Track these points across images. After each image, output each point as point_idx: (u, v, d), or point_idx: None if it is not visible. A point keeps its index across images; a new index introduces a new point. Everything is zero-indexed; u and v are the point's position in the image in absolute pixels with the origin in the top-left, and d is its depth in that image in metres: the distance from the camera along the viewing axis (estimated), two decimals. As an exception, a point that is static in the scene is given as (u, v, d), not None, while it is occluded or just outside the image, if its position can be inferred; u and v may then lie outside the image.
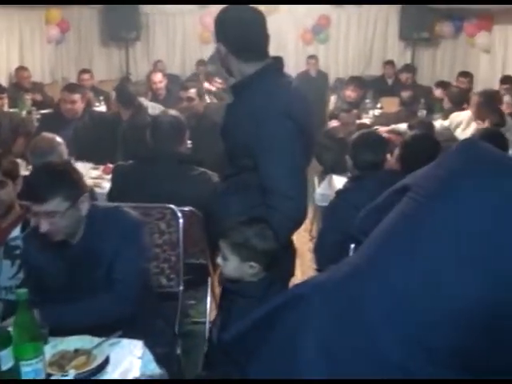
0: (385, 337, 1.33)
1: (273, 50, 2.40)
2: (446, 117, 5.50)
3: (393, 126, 5.29)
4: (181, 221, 2.93)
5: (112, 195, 3.30)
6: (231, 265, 2.24)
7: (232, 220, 2.27)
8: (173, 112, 3.52)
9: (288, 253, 2.45)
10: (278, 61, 2.40)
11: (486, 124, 4.83)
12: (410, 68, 8.50)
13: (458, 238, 1.29)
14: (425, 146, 3.27)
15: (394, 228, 1.45)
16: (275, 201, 2.23)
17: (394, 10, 9.14)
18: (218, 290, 3.17)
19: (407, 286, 1.33)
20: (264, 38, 2.36)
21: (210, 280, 3.28)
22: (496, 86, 6.89)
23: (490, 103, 4.90)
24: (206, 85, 7.52)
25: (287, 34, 9.27)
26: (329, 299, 1.46)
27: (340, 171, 4.27)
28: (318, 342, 1.42)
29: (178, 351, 2.64)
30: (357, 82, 6.75)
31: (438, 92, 6.78)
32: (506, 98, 6.11)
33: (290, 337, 1.48)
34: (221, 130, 2.49)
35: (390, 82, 8.50)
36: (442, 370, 1.30)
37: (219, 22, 2.37)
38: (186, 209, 3.02)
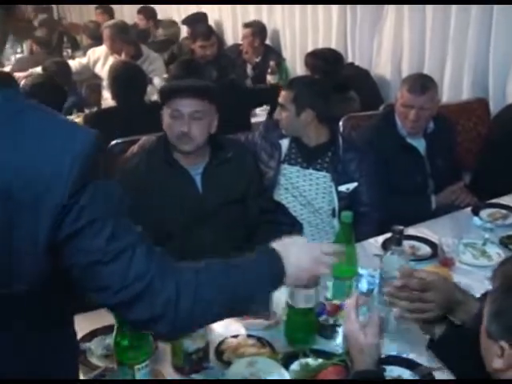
0: None
1: None
2: (85, 54, 5.31)
3: (30, 71, 4.91)
4: None
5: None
6: None
7: None
8: None
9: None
10: None
11: (123, 57, 4.78)
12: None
13: None
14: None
15: None
16: None
17: None
18: None
19: None
20: None
21: None
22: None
23: (122, 35, 4.83)
24: None
25: None
26: None
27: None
28: None
29: None
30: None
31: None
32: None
33: None
34: None
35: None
36: None
37: None
38: None
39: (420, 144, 2.96)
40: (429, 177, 3.00)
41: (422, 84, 2.83)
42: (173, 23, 6.39)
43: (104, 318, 1.78)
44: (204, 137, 2.29)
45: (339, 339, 1.72)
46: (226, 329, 1.79)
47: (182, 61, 4.00)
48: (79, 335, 1.73)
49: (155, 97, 4.27)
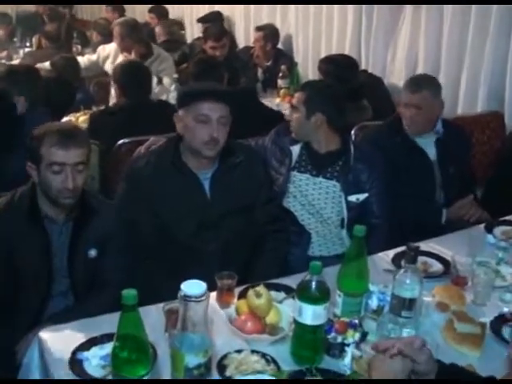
0: None
1: None
2: (95, 50, 5.25)
3: (38, 65, 4.84)
4: None
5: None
6: None
7: None
8: None
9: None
10: None
11: (133, 55, 4.71)
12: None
13: None
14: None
15: None
16: None
17: None
18: None
19: None
20: None
21: None
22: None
23: (132, 34, 4.76)
24: None
25: None
26: None
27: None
28: None
29: None
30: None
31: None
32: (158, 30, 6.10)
33: None
34: None
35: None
36: None
37: None
38: None
39: (429, 146, 2.89)
40: (439, 187, 2.92)
41: (416, 82, 2.86)
42: (176, 23, 6.32)
43: (102, 325, 1.72)
44: (225, 141, 2.23)
45: (347, 359, 1.64)
46: (229, 343, 1.72)
47: (199, 59, 3.89)
48: (76, 343, 1.66)
49: (164, 97, 4.20)
